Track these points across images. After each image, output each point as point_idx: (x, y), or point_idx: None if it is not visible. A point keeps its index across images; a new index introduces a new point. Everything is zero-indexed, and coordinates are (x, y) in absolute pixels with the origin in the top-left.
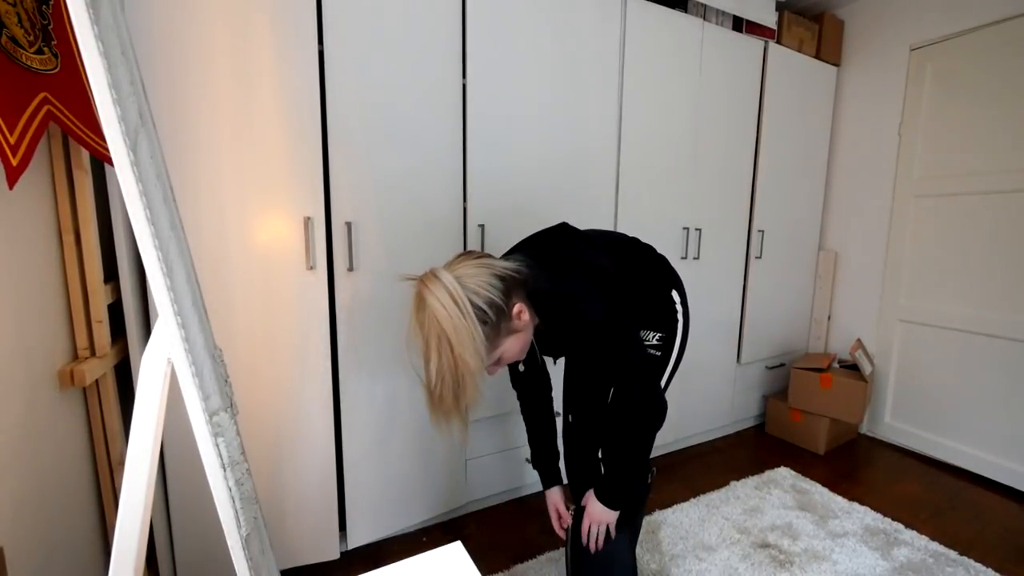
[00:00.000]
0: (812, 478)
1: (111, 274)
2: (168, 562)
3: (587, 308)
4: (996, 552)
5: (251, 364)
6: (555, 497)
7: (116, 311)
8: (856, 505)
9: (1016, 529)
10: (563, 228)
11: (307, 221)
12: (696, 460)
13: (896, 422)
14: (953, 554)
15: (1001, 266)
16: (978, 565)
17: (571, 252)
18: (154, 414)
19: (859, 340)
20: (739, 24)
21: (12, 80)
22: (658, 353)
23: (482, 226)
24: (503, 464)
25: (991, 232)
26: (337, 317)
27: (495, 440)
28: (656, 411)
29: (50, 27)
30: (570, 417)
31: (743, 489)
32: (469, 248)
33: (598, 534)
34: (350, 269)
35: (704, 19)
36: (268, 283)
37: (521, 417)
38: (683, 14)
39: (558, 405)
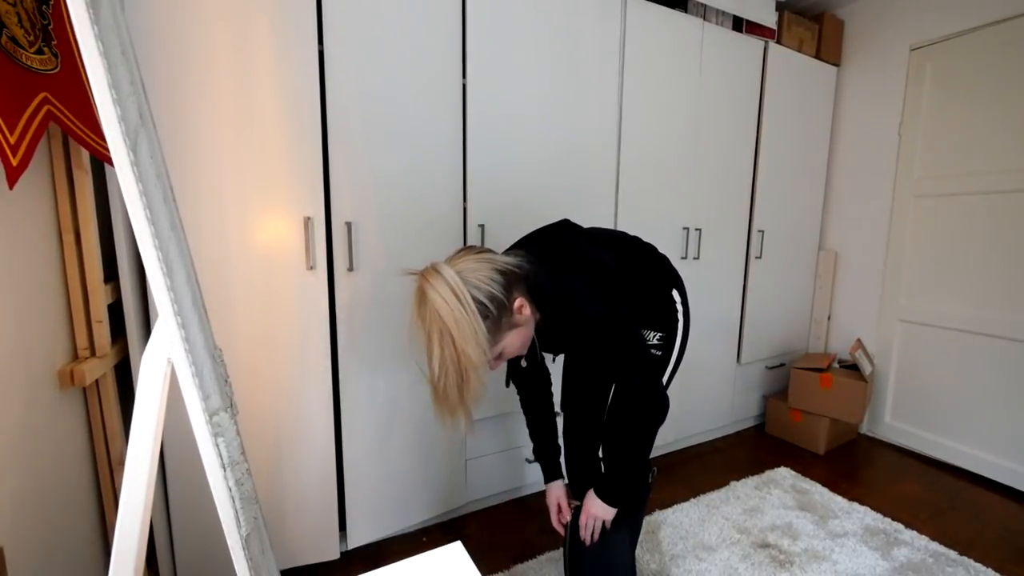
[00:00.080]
0: (812, 478)
1: (111, 274)
2: (168, 562)
3: (587, 304)
4: (996, 552)
5: (251, 364)
6: (557, 491)
7: (116, 311)
8: (856, 505)
9: (1016, 529)
10: (565, 225)
11: (307, 221)
12: (696, 460)
13: (896, 422)
14: (953, 554)
15: (1001, 266)
16: (978, 565)
17: (572, 248)
18: (154, 414)
19: (859, 340)
20: (739, 24)
21: (12, 80)
22: (659, 353)
23: (482, 226)
24: (503, 464)
25: (991, 232)
26: (337, 317)
27: (495, 440)
28: (658, 406)
29: (50, 27)
30: (570, 415)
31: (743, 489)
32: None
33: (594, 529)
34: (350, 269)
35: (704, 19)
36: (268, 283)
37: (521, 417)
38: (683, 14)
39: (557, 404)
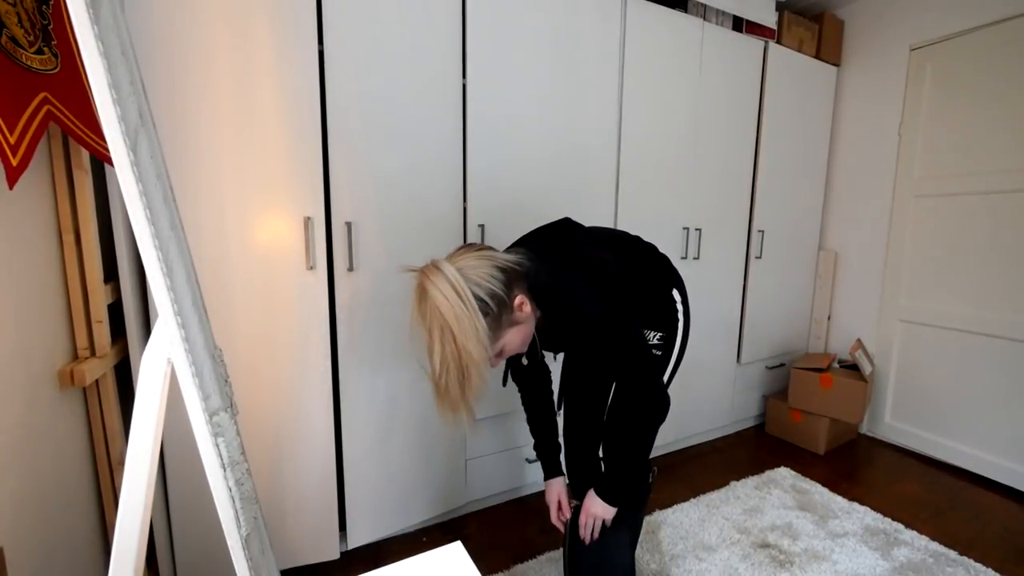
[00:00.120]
0: (812, 478)
1: (111, 274)
2: (168, 562)
3: (587, 302)
4: (996, 552)
5: (251, 364)
6: (557, 488)
7: (116, 311)
8: (856, 505)
9: (1016, 529)
10: (566, 223)
11: (307, 221)
12: (696, 460)
13: (896, 422)
14: (953, 554)
15: (1001, 266)
16: (978, 565)
17: (573, 246)
18: (154, 414)
19: (859, 340)
20: (739, 24)
21: (12, 80)
22: (659, 353)
23: (482, 226)
24: (503, 464)
25: (991, 232)
26: (337, 317)
27: (496, 440)
28: (658, 405)
29: (50, 27)
30: (570, 415)
31: (743, 489)
32: None
33: (594, 527)
34: (350, 269)
35: (704, 19)
36: (268, 283)
37: (521, 417)
38: (683, 14)
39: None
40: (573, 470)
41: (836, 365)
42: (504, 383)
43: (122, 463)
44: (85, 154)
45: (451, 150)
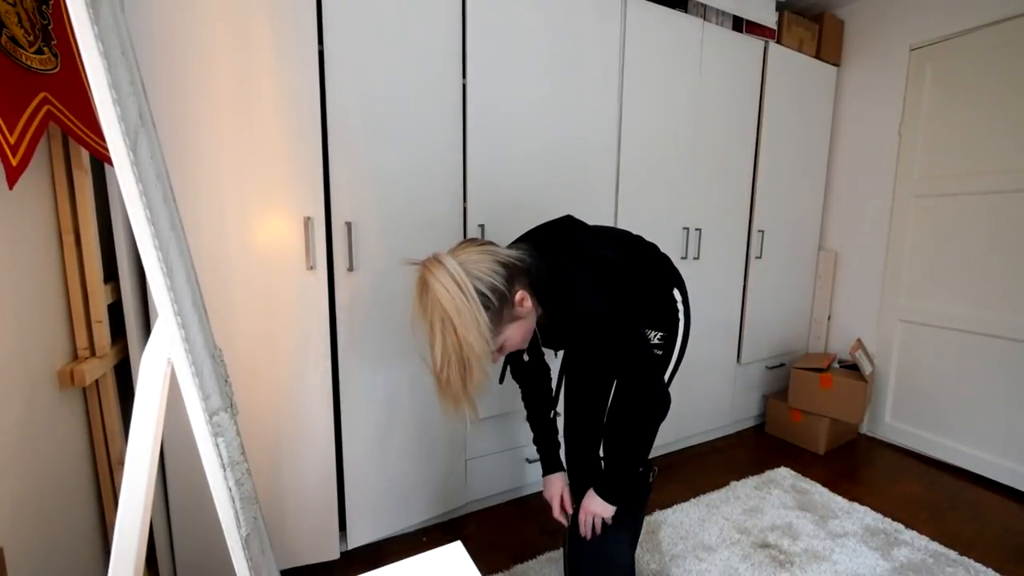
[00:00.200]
0: (812, 478)
1: (111, 274)
2: (168, 562)
3: (589, 298)
4: (996, 552)
5: (251, 364)
6: (558, 483)
7: (116, 311)
8: (856, 505)
9: (1016, 529)
10: (568, 220)
11: (307, 221)
12: (696, 460)
13: (896, 422)
14: (953, 554)
15: (1001, 266)
16: (978, 565)
17: (575, 242)
18: (154, 414)
19: (859, 340)
20: (739, 24)
21: (12, 80)
22: (659, 352)
23: (482, 226)
24: (503, 464)
25: (991, 232)
26: (337, 317)
27: (496, 440)
28: (659, 405)
29: (50, 27)
30: (571, 414)
31: (743, 489)
32: None
33: (594, 524)
34: (350, 269)
35: (704, 19)
36: (268, 283)
37: (521, 417)
38: (683, 14)
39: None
40: (573, 469)
41: (836, 365)
42: (501, 380)
43: (122, 463)
44: (85, 154)
45: (451, 150)
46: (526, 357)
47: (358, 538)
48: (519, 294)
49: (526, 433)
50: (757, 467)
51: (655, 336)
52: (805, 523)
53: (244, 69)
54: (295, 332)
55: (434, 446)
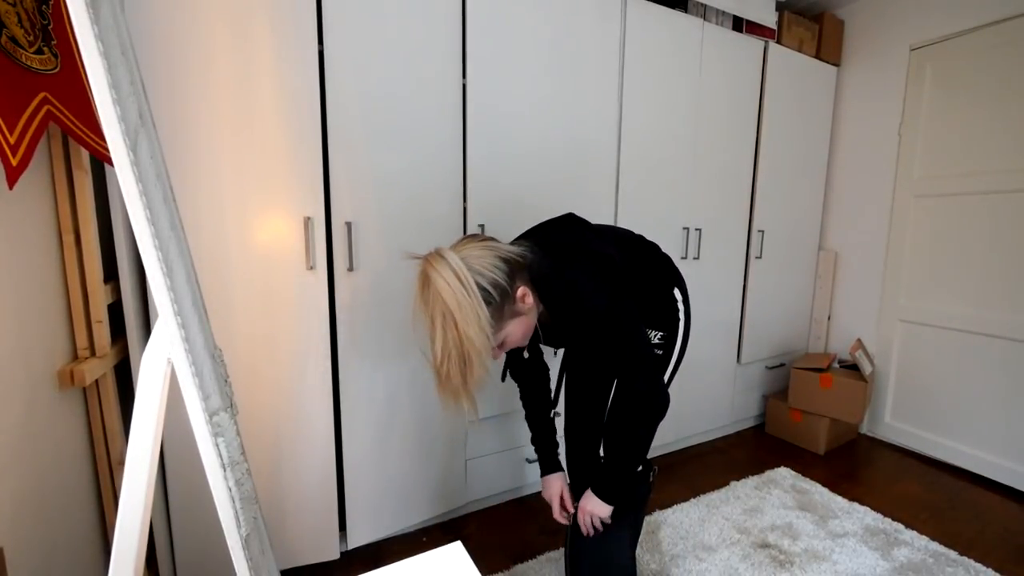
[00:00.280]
0: (812, 478)
1: (111, 274)
2: (168, 562)
3: (590, 295)
4: (996, 552)
5: (251, 364)
6: (558, 483)
7: (116, 311)
8: (856, 505)
9: (1016, 529)
10: (570, 218)
11: (307, 221)
12: (696, 460)
13: (896, 422)
14: (953, 554)
15: (1001, 266)
16: (978, 565)
17: (577, 240)
18: (154, 414)
19: (859, 340)
20: (739, 24)
21: (12, 80)
22: (660, 352)
23: (482, 225)
24: (503, 464)
25: (991, 232)
26: (337, 317)
27: (496, 440)
28: (659, 405)
29: (50, 27)
30: (571, 414)
31: (743, 489)
32: None
33: (593, 523)
34: (350, 269)
35: (704, 19)
36: (268, 283)
37: (520, 417)
38: (683, 14)
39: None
40: (573, 469)
41: (836, 365)
42: (503, 378)
43: (122, 463)
44: (85, 154)
45: (451, 150)
46: (526, 355)
47: (358, 538)
48: (520, 290)
49: (526, 433)
50: (757, 467)
51: (656, 336)
52: (805, 523)
53: (244, 69)
54: (295, 332)
55: (434, 446)
